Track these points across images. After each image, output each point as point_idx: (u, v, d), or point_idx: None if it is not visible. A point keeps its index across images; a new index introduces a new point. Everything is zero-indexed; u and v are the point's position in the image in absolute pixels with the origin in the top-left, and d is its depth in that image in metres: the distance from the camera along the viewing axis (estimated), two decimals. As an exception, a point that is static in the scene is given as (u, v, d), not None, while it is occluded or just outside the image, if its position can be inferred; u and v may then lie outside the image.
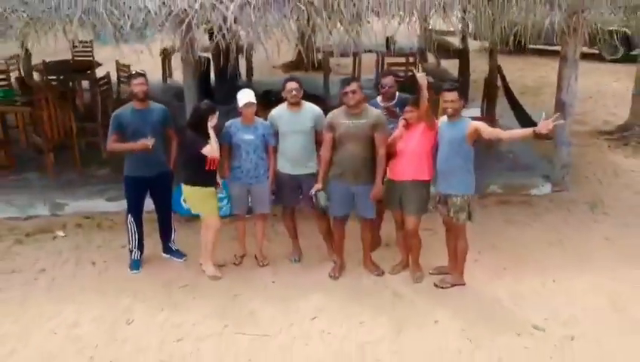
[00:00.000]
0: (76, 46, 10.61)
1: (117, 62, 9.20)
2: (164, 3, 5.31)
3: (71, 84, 8.96)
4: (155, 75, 10.01)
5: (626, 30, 12.13)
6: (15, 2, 5.26)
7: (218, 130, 5.04)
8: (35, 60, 9.95)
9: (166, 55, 11.33)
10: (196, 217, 5.40)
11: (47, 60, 9.56)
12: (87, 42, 10.73)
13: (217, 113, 4.91)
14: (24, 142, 7.85)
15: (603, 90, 11.19)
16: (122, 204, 5.73)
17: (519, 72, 12.60)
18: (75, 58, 10.52)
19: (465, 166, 4.76)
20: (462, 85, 8.04)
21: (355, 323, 4.57)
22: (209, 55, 9.47)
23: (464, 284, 5.01)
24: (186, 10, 5.27)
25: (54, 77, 8.72)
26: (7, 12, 5.27)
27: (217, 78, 10.13)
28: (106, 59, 10.38)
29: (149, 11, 5.28)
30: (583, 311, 4.70)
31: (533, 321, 4.53)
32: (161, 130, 5.21)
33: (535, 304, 4.78)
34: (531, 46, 13.68)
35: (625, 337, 4.38)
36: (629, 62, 11.98)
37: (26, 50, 10.35)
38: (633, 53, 12.93)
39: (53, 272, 5.45)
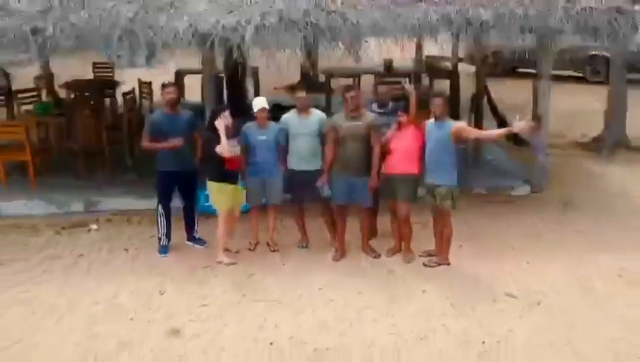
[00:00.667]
0: (98, 66, 11.65)
1: (139, 80, 10.13)
2: (190, 25, 6.21)
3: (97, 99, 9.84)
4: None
5: (606, 54, 13.17)
6: (65, 24, 6.17)
7: (234, 130, 5.87)
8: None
9: (179, 76, 12.25)
10: (214, 215, 6.20)
11: (72, 79, 10.52)
12: (107, 63, 11.72)
13: (227, 112, 5.74)
14: (58, 149, 8.70)
15: (584, 108, 12.06)
16: (148, 203, 6.62)
17: (508, 92, 13.49)
18: (97, 77, 11.47)
19: (449, 161, 5.59)
20: (452, 103, 8.97)
21: (354, 293, 5.35)
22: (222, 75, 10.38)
23: (449, 264, 5.80)
24: (209, 30, 6.17)
25: (83, 93, 9.59)
26: (57, 31, 6.16)
27: (229, 96, 11.01)
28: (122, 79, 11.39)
29: (178, 31, 6.17)
30: (551, 286, 5.47)
31: (507, 292, 5.32)
32: (188, 132, 6.05)
33: (510, 280, 5.56)
34: (521, 70, 14.72)
35: (586, 309, 5.12)
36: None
37: (49, 70, 11.35)
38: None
39: (90, 258, 6.23)
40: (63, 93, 10.59)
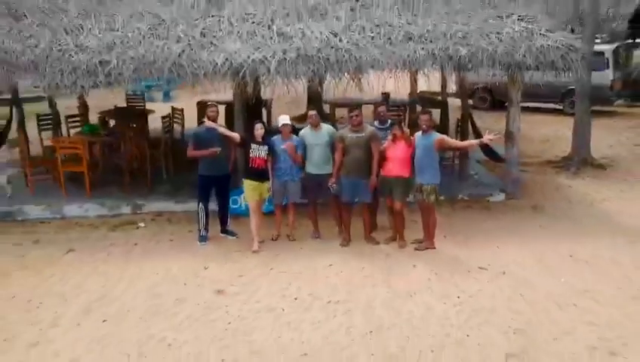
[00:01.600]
0: (130, 98, 13.27)
1: (172, 108, 11.73)
2: (227, 59, 7.78)
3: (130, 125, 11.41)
4: (192, 122, 12.54)
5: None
6: (126, 56, 7.75)
7: (263, 139, 7.36)
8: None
9: (201, 107, 13.85)
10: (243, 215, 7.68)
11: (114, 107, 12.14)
12: (138, 95, 13.36)
13: (260, 124, 7.31)
14: (104, 164, 10.19)
15: (560, 135, 13.62)
16: (183, 206, 8.19)
17: (494, 121, 15.08)
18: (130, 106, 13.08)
19: (433, 165, 7.07)
20: (442, 127, 10.56)
21: (358, 269, 6.75)
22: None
23: (435, 248, 7.22)
24: (242, 63, 7.74)
25: (125, 119, 11.16)
26: (120, 63, 7.73)
27: (249, 119, 12.61)
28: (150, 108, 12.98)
29: (217, 64, 7.74)
30: (514, 262, 6.88)
31: (479, 266, 6.73)
32: (225, 143, 7.53)
33: (483, 259, 6.96)
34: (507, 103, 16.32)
35: (539, 276, 6.51)
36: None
37: (84, 101, 12.92)
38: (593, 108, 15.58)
39: (143, 246, 7.65)
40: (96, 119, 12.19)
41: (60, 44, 7.95)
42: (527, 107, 14.18)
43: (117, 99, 13.17)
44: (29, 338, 5.41)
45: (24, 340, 5.38)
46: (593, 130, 11.31)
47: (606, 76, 16.11)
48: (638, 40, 18.24)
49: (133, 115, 11.70)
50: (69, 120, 10.93)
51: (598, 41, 16.45)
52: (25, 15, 8.56)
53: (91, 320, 5.72)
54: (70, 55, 7.79)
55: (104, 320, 5.70)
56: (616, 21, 17.41)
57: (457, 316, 5.66)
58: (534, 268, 6.73)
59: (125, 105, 13.10)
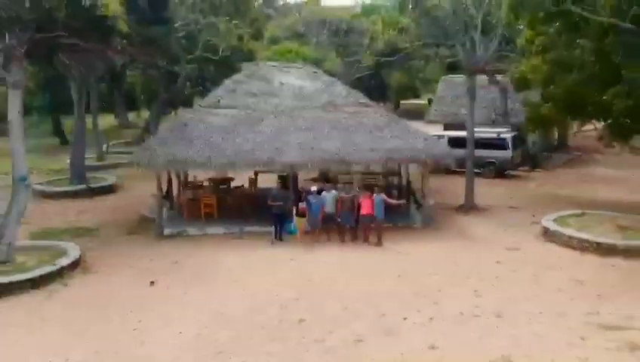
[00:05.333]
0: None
1: (250, 176, 21.02)
2: (277, 154, 17.00)
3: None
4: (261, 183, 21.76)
5: (493, 160, 24.41)
6: (239, 150, 17.00)
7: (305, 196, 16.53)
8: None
9: (255, 175, 23.05)
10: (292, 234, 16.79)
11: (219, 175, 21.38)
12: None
13: (315, 188, 16.54)
14: (219, 206, 19.37)
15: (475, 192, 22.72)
16: (263, 229, 17.20)
17: (440, 182, 24.28)
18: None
19: (381, 209, 16.22)
20: (400, 187, 19.84)
21: (355, 254, 15.73)
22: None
23: (382, 245, 16.24)
24: (296, 161, 16.96)
25: (226, 182, 20.40)
26: (230, 158, 16.96)
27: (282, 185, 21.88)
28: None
29: (287, 163, 16.96)
30: (429, 251, 15.83)
31: (397, 251, 15.75)
32: (285, 198, 16.66)
33: (402, 248, 15.92)
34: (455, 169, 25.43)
35: (442, 263, 15.48)
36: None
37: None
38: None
39: (254, 243, 16.64)
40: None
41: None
42: (458, 171, 23.21)
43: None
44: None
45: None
46: (489, 188, 20.58)
47: (508, 154, 25.51)
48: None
49: (227, 180, 20.95)
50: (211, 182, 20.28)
51: (504, 130, 26.30)
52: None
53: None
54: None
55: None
56: (516, 117, 26.97)
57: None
58: (443, 259, 15.64)
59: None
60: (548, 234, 16.37)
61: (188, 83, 32.27)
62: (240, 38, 26.98)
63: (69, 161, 25.48)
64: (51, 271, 13.75)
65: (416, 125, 30.42)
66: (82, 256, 15.01)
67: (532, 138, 29.21)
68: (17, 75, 13.83)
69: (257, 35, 34.01)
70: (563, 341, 10.31)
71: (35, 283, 13.29)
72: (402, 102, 58.64)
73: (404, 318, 11.36)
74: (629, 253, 14.52)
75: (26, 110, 29.18)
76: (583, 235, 15.52)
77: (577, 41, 17.16)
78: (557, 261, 14.64)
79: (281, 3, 51.36)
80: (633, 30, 14.06)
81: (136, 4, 15.18)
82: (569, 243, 15.54)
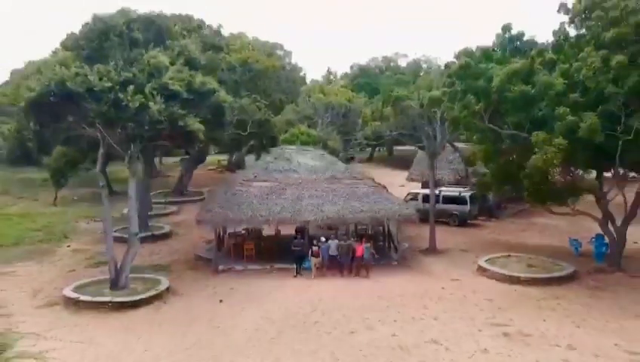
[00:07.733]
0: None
1: (276, 228, 28.93)
2: (297, 214, 24.93)
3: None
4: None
5: (456, 213, 32.52)
6: (264, 211, 24.94)
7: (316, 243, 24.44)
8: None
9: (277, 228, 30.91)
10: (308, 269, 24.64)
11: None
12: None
13: (324, 239, 24.50)
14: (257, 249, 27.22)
15: (439, 238, 30.54)
16: (287, 264, 25.03)
17: (416, 230, 32.15)
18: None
19: (368, 253, 24.15)
20: (383, 234, 27.74)
21: (353, 283, 23.52)
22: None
23: (369, 277, 24.04)
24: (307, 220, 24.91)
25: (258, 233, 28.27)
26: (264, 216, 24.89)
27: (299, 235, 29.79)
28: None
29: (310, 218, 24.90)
30: (400, 281, 23.63)
31: (379, 280, 23.56)
32: (303, 245, 24.55)
33: (386, 286, 23.72)
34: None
35: (407, 288, 23.30)
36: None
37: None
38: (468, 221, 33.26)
39: (284, 276, 24.40)
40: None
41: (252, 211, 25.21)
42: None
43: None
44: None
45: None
46: (450, 234, 28.52)
47: (467, 208, 33.57)
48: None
49: (260, 231, 28.82)
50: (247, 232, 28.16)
51: (465, 189, 34.48)
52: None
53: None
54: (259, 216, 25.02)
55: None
56: (476, 177, 35.06)
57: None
58: (397, 282, 23.49)
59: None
60: (480, 270, 24.23)
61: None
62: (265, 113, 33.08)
63: (125, 211, 33.14)
64: (155, 293, 21.56)
65: (402, 176, 39.63)
66: (170, 284, 22.80)
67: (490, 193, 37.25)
68: (136, 167, 21.91)
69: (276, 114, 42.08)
70: (468, 331, 18.10)
71: (146, 301, 21.09)
72: (395, 147, 67.13)
73: (379, 320, 19.12)
74: (527, 282, 22.43)
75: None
76: (501, 271, 23.42)
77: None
78: (481, 287, 22.45)
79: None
80: (525, 137, 22.37)
81: (207, 119, 22.68)
82: (493, 276, 23.41)
